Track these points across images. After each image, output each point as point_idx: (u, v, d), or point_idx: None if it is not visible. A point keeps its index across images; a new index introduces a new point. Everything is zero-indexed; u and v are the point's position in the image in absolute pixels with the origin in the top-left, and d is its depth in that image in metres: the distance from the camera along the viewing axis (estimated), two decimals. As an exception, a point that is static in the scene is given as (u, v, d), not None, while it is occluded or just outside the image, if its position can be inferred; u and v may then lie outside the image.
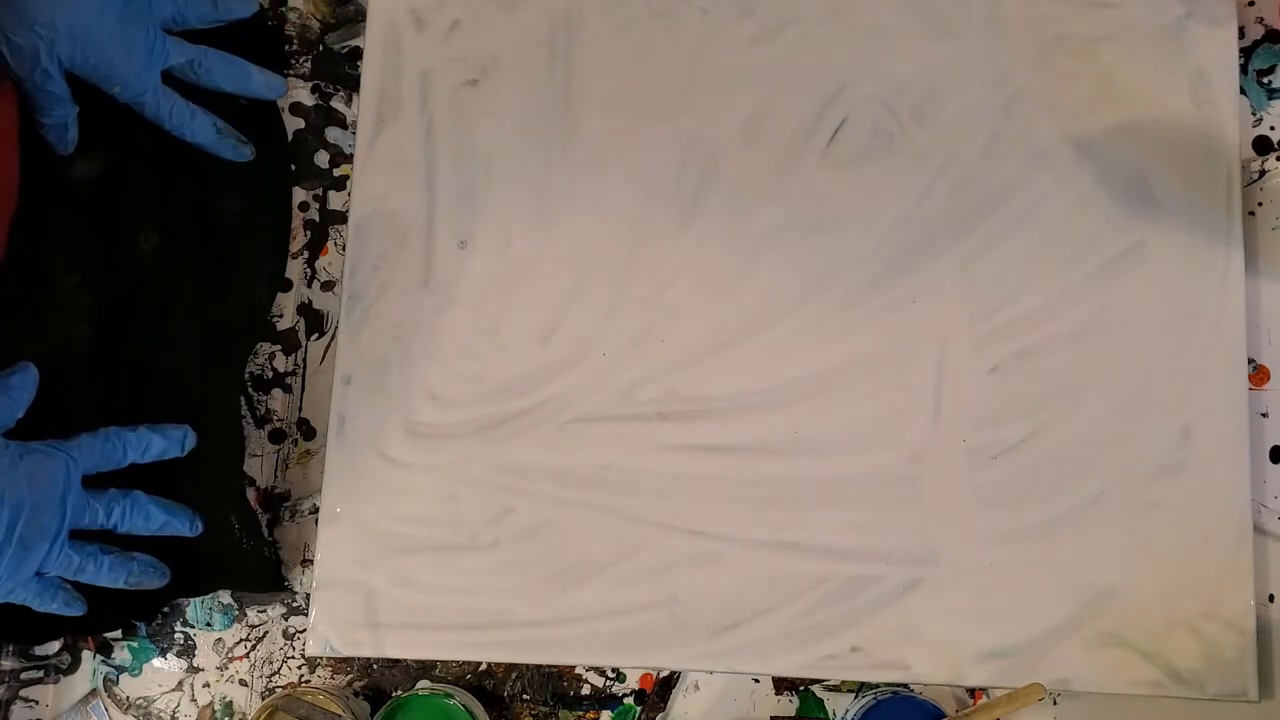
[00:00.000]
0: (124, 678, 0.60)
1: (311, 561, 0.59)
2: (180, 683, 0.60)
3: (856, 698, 0.57)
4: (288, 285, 0.63)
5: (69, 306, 0.57)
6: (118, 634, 0.60)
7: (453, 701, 0.55)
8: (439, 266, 0.61)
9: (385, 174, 0.62)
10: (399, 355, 0.60)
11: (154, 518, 0.54)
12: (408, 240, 0.61)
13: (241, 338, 0.61)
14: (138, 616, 0.59)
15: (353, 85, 0.65)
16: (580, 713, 0.58)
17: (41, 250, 0.57)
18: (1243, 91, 0.60)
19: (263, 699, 0.59)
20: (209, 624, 0.60)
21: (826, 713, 0.58)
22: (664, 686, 0.58)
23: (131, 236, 0.58)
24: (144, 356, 0.58)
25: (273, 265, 0.63)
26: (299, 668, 0.60)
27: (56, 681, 0.60)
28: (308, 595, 0.59)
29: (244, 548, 0.57)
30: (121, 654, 0.61)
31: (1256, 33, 0.61)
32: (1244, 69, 0.61)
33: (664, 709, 0.58)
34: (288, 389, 0.63)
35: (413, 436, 0.59)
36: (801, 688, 0.58)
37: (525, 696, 0.59)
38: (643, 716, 0.58)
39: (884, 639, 0.55)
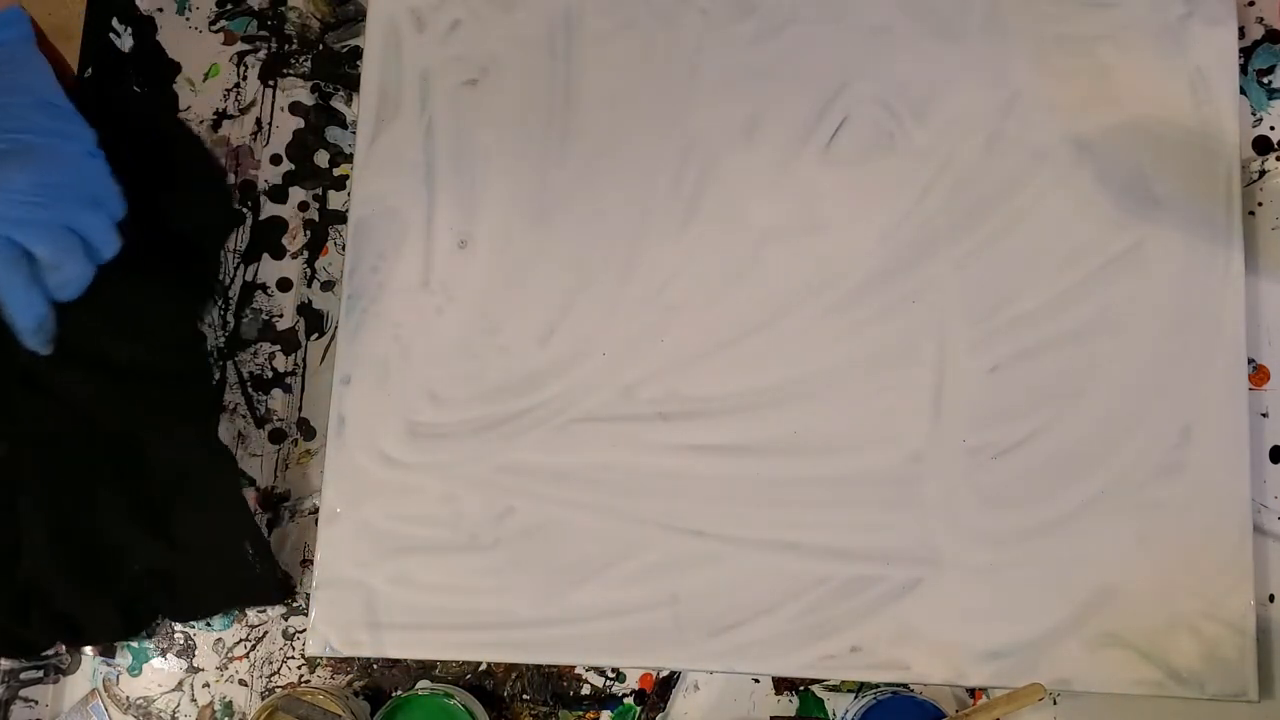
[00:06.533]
0: (124, 678, 0.60)
1: (311, 561, 0.59)
2: (180, 683, 0.60)
3: (856, 698, 0.57)
4: (287, 285, 0.63)
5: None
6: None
7: (453, 701, 0.55)
8: (439, 266, 0.61)
9: (385, 174, 0.62)
10: (399, 355, 0.60)
11: None
12: (408, 240, 0.61)
13: (193, 351, 0.61)
14: (130, 632, 0.58)
15: (353, 85, 0.65)
16: (580, 713, 0.58)
17: None
18: (1243, 91, 0.60)
19: (263, 699, 0.59)
20: (209, 624, 0.60)
21: (826, 713, 0.58)
22: (664, 686, 0.58)
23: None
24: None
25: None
26: (299, 668, 0.60)
27: (56, 681, 0.60)
28: (308, 595, 0.59)
29: (257, 572, 0.58)
30: (121, 654, 0.61)
31: (1256, 33, 0.61)
32: (1244, 69, 0.61)
33: (664, 709, 0.58)
34: (288, 389, 0.63)
35: (413, 436, 0.59)
36: (801, 688, 0.58)
37: (525, 696, 0.59)
38: (643, 716, 0.58)
39: (884, 639, 0.55)
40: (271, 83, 0.66)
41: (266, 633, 0.60)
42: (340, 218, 0.64)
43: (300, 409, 0.63)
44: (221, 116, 0.65)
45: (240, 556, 0.57)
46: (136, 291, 0.57)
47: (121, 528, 0.56)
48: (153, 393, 0.57)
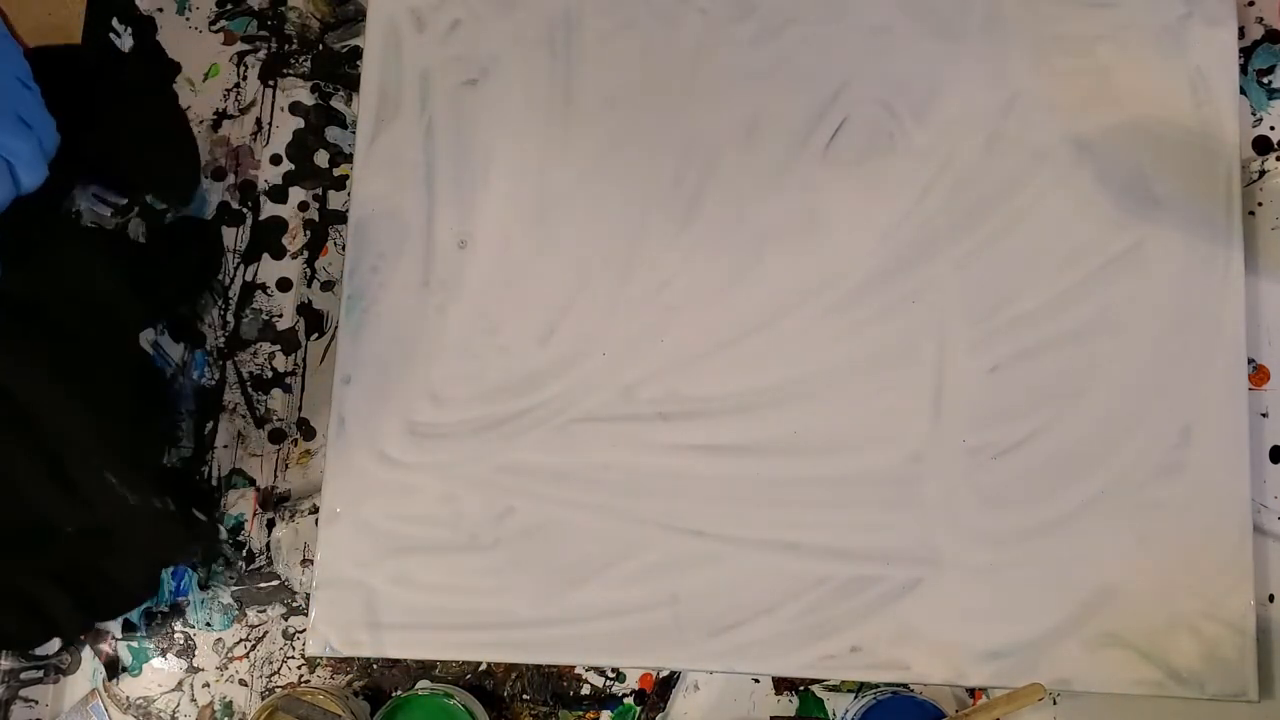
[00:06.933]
0: (124, 678, 0.60)
1: (311, 561, 0.59)
2: (180, 683, 0.60)
3: (856, 698, 0.57)
4: (287, 285, 0.63)
5: None
6: (118, 634, 0.60)
7: (453, 701, 0.55)
8: (439, 266, 0.61)
9: (385, 174, 0.62)
10: (399, 355, 0.60)
11: None
12: (408, 240, 0.61)
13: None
14: (94, 617, 0.57)
15: (353, 85, 0.65)
16: (580, 713, 0.58)
17: None
18: (1243, 91, 0.60)
19: (262, 699, 0.59)
20: (209, 624, 0.60)
21: (826, 713, 0.58)
22: (664, 686, 0.58)
23: None
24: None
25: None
26: (299, 668, 0.60)
27: (56, 681, 0.60)
28: (308, 595, 0.59)
29: (132, 505, 0.53)
30: (122, 654, 0.61)
31: (1256, 33, 0.62)
32: (1244, 69, 0.61)
33: (664, 709, 0.58)
34: (288, 389, 0.63)
35: (413, 436, 0.59)
36: (801, 688, 0.58)
37: (525, 696, 0.59)
38: (643, 716, 0.58)
39: (884, 639, 0.55)
40: (271, 83, 0.66)
41: (266, 633, 0.60)
42: (340, 218, 0.64)
43: (300, 409, 0.63)
44: (221, 116, 0.65)
45: (110, 497, 0.52)
46: (58, 239, 0.54)
47: (35, 488, 0.52)
48: (53, 345, 0.53)
